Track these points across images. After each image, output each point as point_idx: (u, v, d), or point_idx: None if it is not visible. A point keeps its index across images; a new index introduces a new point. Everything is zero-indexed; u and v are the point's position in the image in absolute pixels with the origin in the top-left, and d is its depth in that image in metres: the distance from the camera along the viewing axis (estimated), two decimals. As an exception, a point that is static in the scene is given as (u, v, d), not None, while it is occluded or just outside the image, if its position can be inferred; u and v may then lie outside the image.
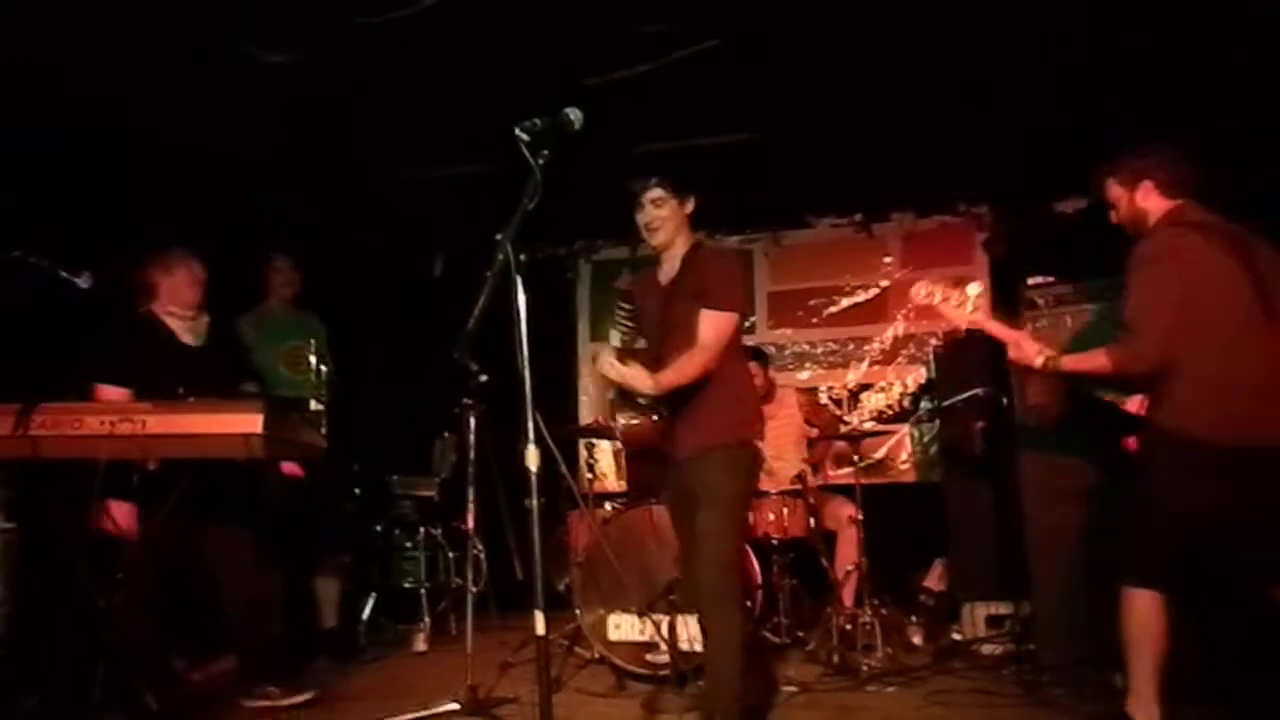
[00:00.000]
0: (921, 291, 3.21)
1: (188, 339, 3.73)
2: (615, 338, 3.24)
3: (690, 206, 3.09)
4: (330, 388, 4.56)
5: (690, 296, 2.97)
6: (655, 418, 2.98)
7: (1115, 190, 3.01)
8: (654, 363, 2.96)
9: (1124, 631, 2.78)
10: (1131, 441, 3.04)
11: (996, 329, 3.10)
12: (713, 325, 2.93)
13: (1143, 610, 2.75)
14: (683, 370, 2.90)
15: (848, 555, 4.64)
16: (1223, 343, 2.73)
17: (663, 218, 3.05)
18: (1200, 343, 2.72)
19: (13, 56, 3.64)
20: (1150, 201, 2.93)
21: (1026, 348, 3.00)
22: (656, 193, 3.04)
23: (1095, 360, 2.85)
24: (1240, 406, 2.70)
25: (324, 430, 4.39)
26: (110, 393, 3.45)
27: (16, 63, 3.67)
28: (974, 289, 3.16)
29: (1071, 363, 2.93)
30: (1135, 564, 2.80)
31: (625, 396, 3.01)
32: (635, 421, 3.03)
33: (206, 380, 3.48)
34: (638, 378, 2.88)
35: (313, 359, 4.42)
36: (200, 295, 3.75)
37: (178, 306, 3.71)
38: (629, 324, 3.18)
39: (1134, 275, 2.80)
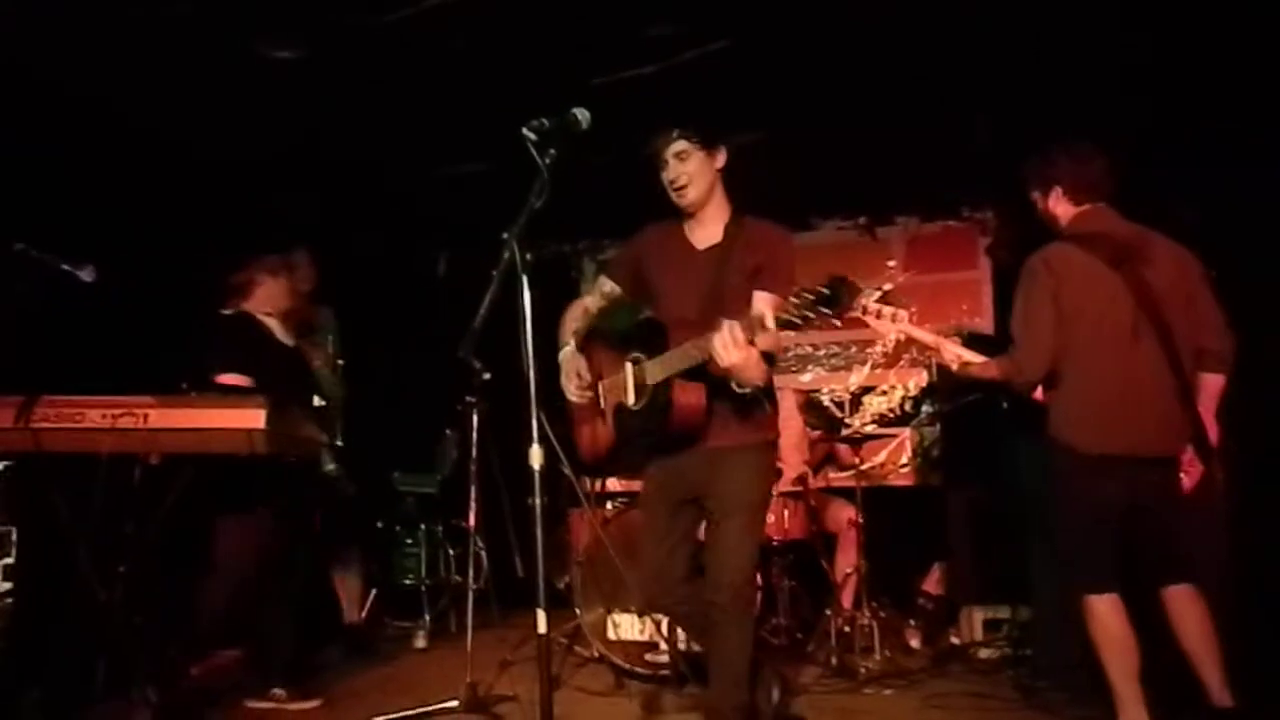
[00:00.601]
0: (855, 306, 3.15)
1: (284, 339, 3.87)
2: (606, 284, 3.00)
3: (722, 159, 2.80)
4: (343, 383, 4.58)
5: (743, 271, 2.69)
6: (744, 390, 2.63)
7: (1032, 194, 3.06)
8: (690, 330, 2.60)
9: (1093, 640, 2.81)
10: None
11: (920, 335, 3.19)
12: (775, 343, 2.58)
13: (1100, 614, 2.79)
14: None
15: (848, 558, 4.64)
16: (1097, 356, 2.80)
17: (690, 173, 2.74)
18: (1076, 355, 2.81)
19: (17, 57, 3.65)
20: (1060, 207, 2.98)
21: (945, 352, 3.12)
22: (679, 145, 2.73)
23: (990, 369, 2.99)
24: (1111, 417, 2.78)
25: (340, 425, 4.45)
26: (233, 380, 3.54)
27: (21, 63, 3.68)
28: (898, 304, 3.19)
29: (976, 369, 3.05)
30: (1073, 571, 2.88)
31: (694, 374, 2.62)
32: (694, 399, 2.65)
33: (304, 378, 3.74)
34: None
35: (329, 354, 4.47)
36: (293, 302, 3.94)
37: (274, 309, 3.83)
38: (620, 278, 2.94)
39: (1018, 289, 2.90)
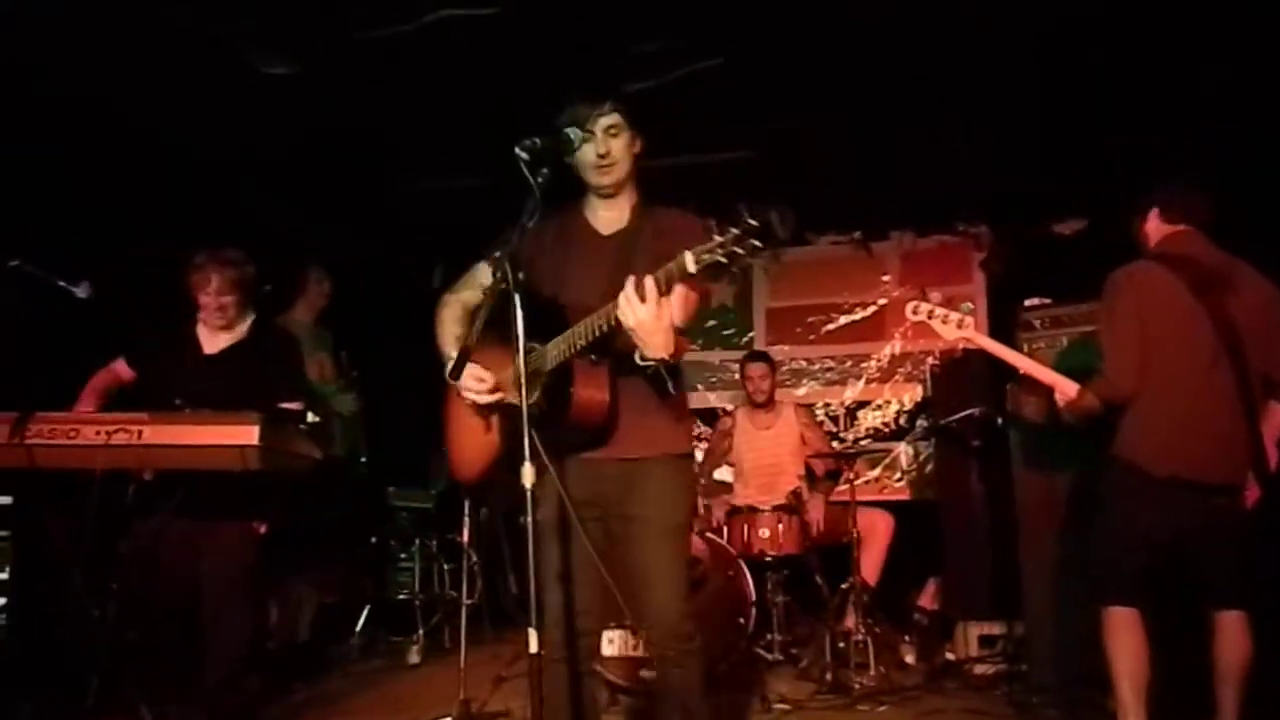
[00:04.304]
0: (921, 309, 3.22)
1: None
2: (486, 276, 2.48)
3: (639, 146, 2.51)
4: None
5: (651, 254, 2.28)
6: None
7: (1133, 217, 3.10)
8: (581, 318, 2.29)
9: (1106, 650, 2.84)
10: None
11: (987, 343, 3.16)
12: (683, 306, 2.32)
13: (1120, 626, 2.82)
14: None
15: (874, 563, 4.64)
16: (1171, 379, 2.81)
17: (620, 149, 2.45)
18: (1151, 377, 2.82)
19: (14, 62, 3.66)
20: (1152, 225, 3.03)
21: (1016, 361, 3.11)
22: (613, 118, 2.42)
23: (1085, 397, 2.91)
24: (1181, 442, 2.80)
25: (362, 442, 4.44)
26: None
27: (18, 69, 3.69)
28: (967, 306, 3.21)
29: (1075, 402, 2.95)
30: (1103, 582, 2.89)
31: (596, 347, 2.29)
32: (596, 388, 2.32)
33: None
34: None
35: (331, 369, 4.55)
36: None
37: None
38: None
39: (1102, 307, 2.93)
